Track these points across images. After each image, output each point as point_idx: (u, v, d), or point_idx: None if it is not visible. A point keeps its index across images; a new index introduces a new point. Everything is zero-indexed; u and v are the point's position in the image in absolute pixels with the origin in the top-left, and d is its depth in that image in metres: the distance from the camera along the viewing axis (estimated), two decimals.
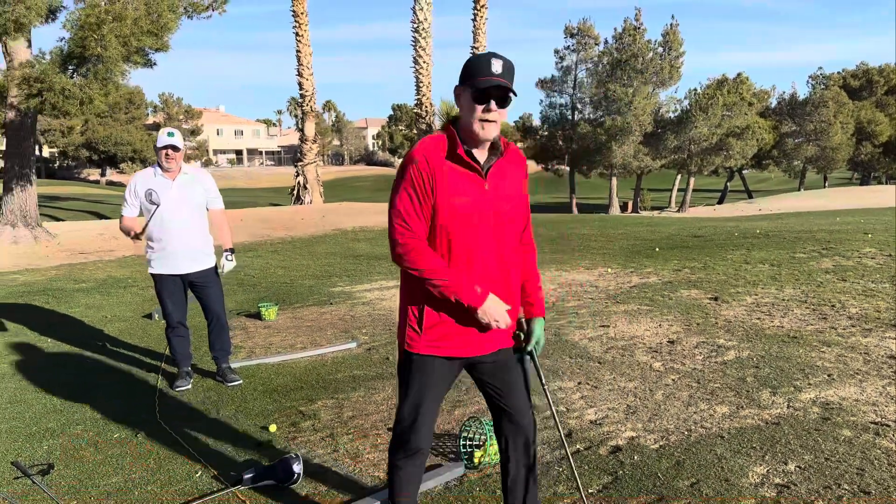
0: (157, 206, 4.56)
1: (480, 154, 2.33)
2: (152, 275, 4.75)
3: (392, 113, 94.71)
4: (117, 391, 4.84)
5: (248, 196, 57.49)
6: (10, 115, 12.36)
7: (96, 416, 4.35)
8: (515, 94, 2.27)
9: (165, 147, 4.54)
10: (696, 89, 32.80)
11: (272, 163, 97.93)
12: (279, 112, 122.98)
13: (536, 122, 40.91)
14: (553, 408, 2.52)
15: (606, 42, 34.29)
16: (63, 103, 9.70)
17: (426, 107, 22.43)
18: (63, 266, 10.67)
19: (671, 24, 32.91)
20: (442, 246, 2.29)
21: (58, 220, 27.91)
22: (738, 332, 5.64)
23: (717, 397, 4.20)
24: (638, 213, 34.31)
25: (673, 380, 4.56)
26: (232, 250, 4.98)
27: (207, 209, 4.84)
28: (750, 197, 41.52)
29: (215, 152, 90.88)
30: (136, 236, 4.57)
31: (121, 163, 71.61)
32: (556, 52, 35.25)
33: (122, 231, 4.69)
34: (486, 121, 2.23)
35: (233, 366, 5.14)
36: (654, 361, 4.96)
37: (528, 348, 2.48)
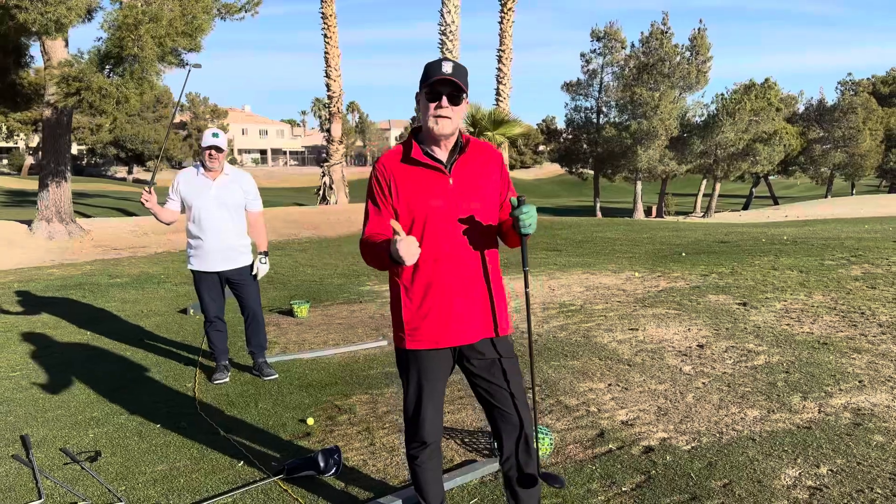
0: (191, 208, 4.73)
1: (442, 153, 2.47)
2: (191, 271, 4.90)
3: (415, 115, 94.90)
4: (157, 383, 4.98)
5: (273, 195, 57.95)
6: (48, 112, 12.66)
7: (138, 407, 4.49)
8: (466, 93, 2.43)
9: (209, 147, 4.68)
10: (722, 94, 32.51)
11: (296, 163, 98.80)
12: (303, 112, 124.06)
13: (560, 125, 40.81)
14: (528, 290, 2.57)
15: (633, 46, 34.15)
16: (100, 102, 9.94)
17: None
18: (97, 261, 10.91)
19: (699, 29, 32.69)
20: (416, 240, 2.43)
21: (86, 216, 28.44)
22: (767, 337, 5.65)
23: (747, 401, 4.23)
24: (662, 217, 34.10)
25: (703, 383, 4.59)
26: (266, 253, 5.12)
27: (246, 210, 4.97)
28: (776, 203, 41.07)
29: (240, 151, 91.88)
30: (148, 192, 4.58)
31: (147, 161, 72.76)
32: (583, 55, 35.17)
33: (158, 218, 4.84)
34: (440, 116, 2.38)
35: (268, 360, 5.26)
36: (684, 365, 5.00)
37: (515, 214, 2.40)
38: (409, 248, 2.22)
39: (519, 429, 2.56)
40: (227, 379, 4.99)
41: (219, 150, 4.72)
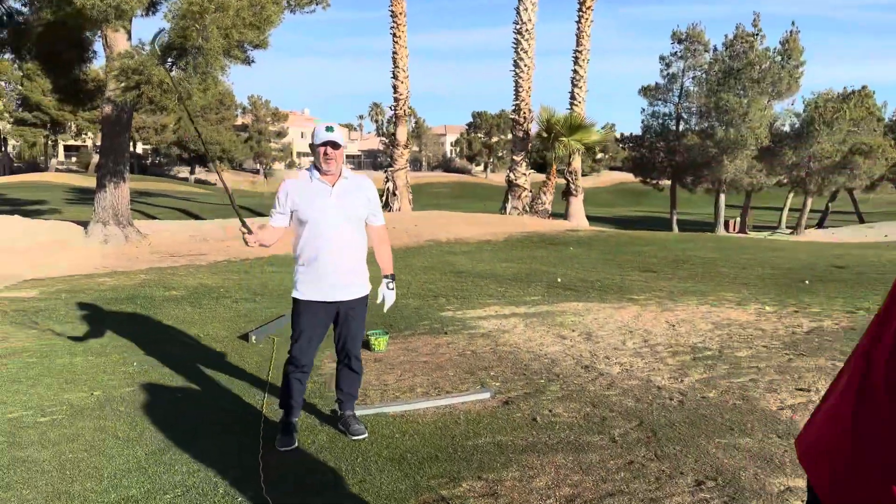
0: (307, 222, 3.75)
1: None
2: (296, 300, 3.87)
3: (472, 120, 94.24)
4: (212, 445, 3.95)
5: None
6: (108, 109, 12.02)
7: (187, 482, 3.46)
8: None
9: (324, 144, 3.69)
10: (815, 102, 30.11)
11: (352, 167, 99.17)
12: (360, 117, 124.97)
13: (627, 133, 38.86)
14: None
15: (715, 49, 32.15)
16: (161, 97, 9.17)
17: (524, 113, 21.24)
18: (153, 270, 10.13)
19: (791, 31, 30.46)
20: None
21: (148, 216, 28.30)
22: None
23: None
24: (746, 233, 32.03)
25: None
26: (393, 276, 4.11)
27: (367, 224, 3.98)
28: (861, 220, 38.33)
29: (299, 155, 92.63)
30: (249, 232, 3.71)
31: (209, 162, 73.81)
32: (662, 58, 33.32)
33: (265, 245, 3.89)
34: None
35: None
36: None
37: None
38: None
39: None
40: (296, 443, 3.93)
41: (335, 146, 3.71)
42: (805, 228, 32.52)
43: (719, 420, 4.21)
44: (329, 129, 3.71)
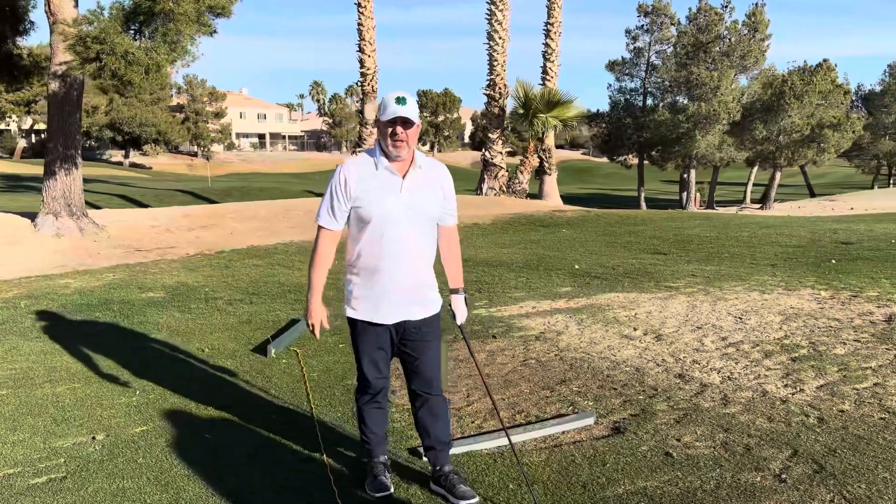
0: (369, 222, 2.86)
1: None
2: (351, 320, 2.98)
3: (417, 99, 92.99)
4: (270, 497, 3.04)
5: (275, 182, 55.90)
6: (54, 85, 10.59)
7: None
8: None
9: (392, 122, 2.79)
10: (782, 75, 30.11)
11: (294, 147, 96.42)
12: (301, 96, 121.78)
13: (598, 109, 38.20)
14: None
15: (679, 23, 31.82)
16: (125, 70, 7.92)
17: (500, 88, 20.31)
18: (120, 267, 8.93)
19: (757, 4, 30.37)
20: None
21: (89, 205, 26.33)
22: None
23: None
24: (714, 209, 32.04)
25: None
26: (465, 290, 3.22)
27: (438, 224, 3.07)
28: (812, 195, 39.02)
29: (238, 136, 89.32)
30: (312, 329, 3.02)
31: (144, 144, 70.19)
32: (628, 32, 32.74)
33: (312, 264, 3.01)
34: None
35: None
36: None
37: None
38: None
39: None
40: (392, 488, 3.09)
41: (408, 123, 2.80)
42: (773, 202, 32.74)
43: (882, 442, 3.54)
44: (400, 100, 2.79)
